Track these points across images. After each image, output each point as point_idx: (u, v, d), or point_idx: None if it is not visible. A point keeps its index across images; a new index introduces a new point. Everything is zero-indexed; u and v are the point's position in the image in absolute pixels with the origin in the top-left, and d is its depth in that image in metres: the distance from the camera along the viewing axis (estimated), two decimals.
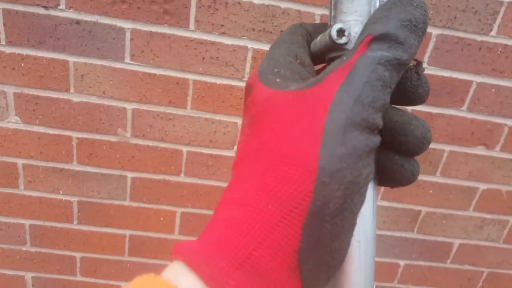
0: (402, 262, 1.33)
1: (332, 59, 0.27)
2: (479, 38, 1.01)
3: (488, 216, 1.27)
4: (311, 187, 0.22)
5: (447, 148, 1.16)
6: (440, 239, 1.30)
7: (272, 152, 0.23)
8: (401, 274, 1.35)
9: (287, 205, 0.22)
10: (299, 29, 0.30)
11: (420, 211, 1.25)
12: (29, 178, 1.13)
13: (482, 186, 1.22)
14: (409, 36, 0.23)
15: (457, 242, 1.31)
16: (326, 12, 0.97)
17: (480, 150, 1.16)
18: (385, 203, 1.23)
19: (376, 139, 0.23)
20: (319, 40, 0.27)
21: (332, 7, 0.27)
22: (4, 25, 0.93)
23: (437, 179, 1.20)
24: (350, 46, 0.26)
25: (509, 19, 0.98)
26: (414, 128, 0.25)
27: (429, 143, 0.26)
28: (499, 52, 1.03)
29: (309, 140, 0.22)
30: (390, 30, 0.22)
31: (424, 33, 0.24)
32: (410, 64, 0.26)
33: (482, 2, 0.97)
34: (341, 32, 0.25)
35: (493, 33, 1.00)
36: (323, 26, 0.31)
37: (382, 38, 0.22)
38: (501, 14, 0.98)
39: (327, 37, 0.26)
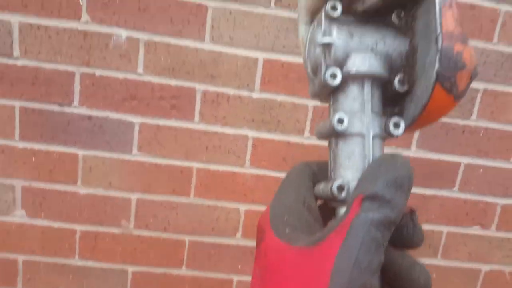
0: None
1: (334, 208, 0.29)
2: (461, 122, 1.01)
3: None
4: None
5: (445, 229, 1.09)
6: None
7: None
8: None
9: None
10: (306, 169, 0.32)
11: None
12: (28, 276, 1.02)
13: (485, 268, 1.13)
14: (395, 194, 0.23)
15: None
16: (319, 103, 0.97)
17: (476, 230, 1.10)
18: None
19: None
20: (322, 190, 0.29)
21: (332, 160, 0.29)
22: (20, 121, 0.92)
23: (439, 262, 1.11)
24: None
25: (487, 104, 1.00)
26: (418, 275, 0.26)
27: (418, 244, 0.27)
28: (481, 134, 1.02)
29: None
30: (377, 190, 0.23)
31: (409, 189, 0.25)
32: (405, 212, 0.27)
33: None
34: (340, 189, 0.27)
35: (473, 117, 1.01)
36: (327, 165, 0.32)
37: (372, 198, 0.23)
38: (478, 99, 1.00)
39: (329, 191, 0.27)
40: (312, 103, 0.97)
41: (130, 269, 1.03)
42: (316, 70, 0.30)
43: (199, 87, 0.93)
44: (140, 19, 0.87)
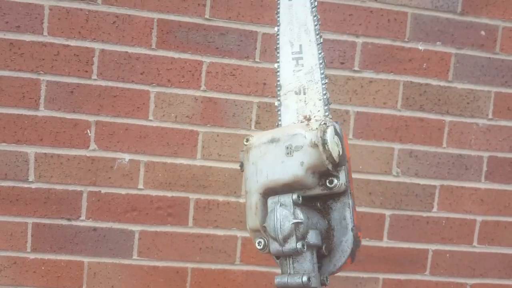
0: None
1: None
2: (425, 214, 1.21)
3: None
4: None
5: None
6: None
7: None
8: None
9: None
10: None
11: None
12: None
13: None
14: None
15: None
16: None
17: None
18: None
19: None
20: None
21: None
22: (32, 235, 1.08)
23: None
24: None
25: (445, 197, 1.20)
26: None
27: None
28: (443, 223, 1.22)
29: None
30: None
31: None
32: None
33: (420, 187, 1.20)
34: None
35: (434, 209, 1.21)
36: None
37: None
38: (436, 194, 1.21)
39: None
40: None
41: None
42: (287, 239, 0.46)
43: (192, 196, 1.12)
44: (141, 145, 1.08)
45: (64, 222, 1.08)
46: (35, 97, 1.05)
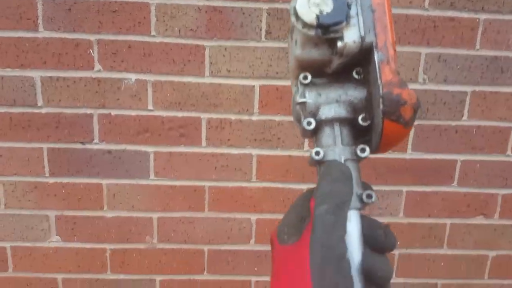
0: None
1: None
2: (453, 123, 1.21)
3: (506, 282, 1.37)
4: None
5: (448, 221, 1.30)
6: None
7: None
8: None
9: None
10: (307, 194, 0.43)
11: (436, 283, 1.37)
12: None
13: (492, 254, 1.34)
14: (332, 187, 0.39)
15: None
16: None
17: (480, 220, 1.31)
18: (401, 280, 1.35)
19: (346, 264, 0.38)
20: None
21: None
22: (48, 160, 1.17)
23: (445, 251, 1.33)
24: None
25: (476, 105, 1.19)
26: (377, 270, 0.39)
27: (389, 280, 0.38)
28: (474, 132, 1.22)
29: (305, 280, 0.37)
30: (320, 190, 0.39)
31: (344, 178, 0.40)
32: (382, 224, 0.43)
33: (449, 94, 1.18)
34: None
35: (465, 117, 1.20)
36: None
37: (319, 197, 0.39)
38: (467, 101, 1.19)
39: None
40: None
41: (158, 278, 1.31)
42: (299, 120, 0.47)
43: (204, 115, 1.16)
44: (146, 63, 1.10)
45: (78, 146, 1.15)
46: (33, 17, 1.07)
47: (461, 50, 1.14)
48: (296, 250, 0.38)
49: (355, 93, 0.45)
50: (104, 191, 1.21)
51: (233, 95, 1.14)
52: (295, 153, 1.20)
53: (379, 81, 0.41)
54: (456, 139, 1.22)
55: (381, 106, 0.41)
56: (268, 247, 1.27)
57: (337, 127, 0.44)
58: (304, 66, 0.47)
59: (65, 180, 1.19)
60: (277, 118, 1.17)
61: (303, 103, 0.45)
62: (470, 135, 1.22)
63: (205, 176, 1.22)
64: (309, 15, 0.42)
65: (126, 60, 1.10)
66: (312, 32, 0.42)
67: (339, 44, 0.42)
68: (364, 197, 0.42)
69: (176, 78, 1.12)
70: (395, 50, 0.42)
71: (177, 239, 1.27)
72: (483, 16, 1.11)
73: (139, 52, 1.10)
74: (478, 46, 1.14)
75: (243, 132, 1.18)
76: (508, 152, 1.24)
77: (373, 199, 0.42)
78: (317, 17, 0.41)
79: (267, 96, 1.15)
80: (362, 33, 0.42)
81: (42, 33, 1.08)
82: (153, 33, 1.09)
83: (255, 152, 1.20)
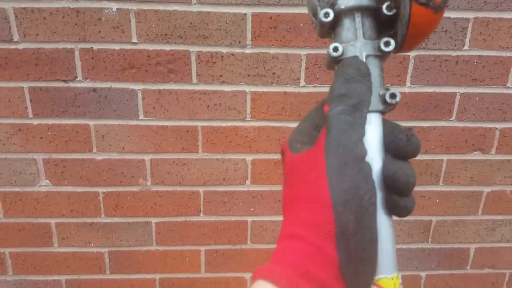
0: (423, 274, 1.36)
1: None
2: (454, 53, 1.10)
3: (499, 217, 1.31)
4: (332, 217, 0.30)
5: (445, 157, 1.22)
6: (455, 245, 1.33)
7: (300, 197, 0.33)
8: (424, 286, 1.38)
9: (320, 233, 0.31)
10: (323, 103, 0.39)
11: (431, 220, 1.30)
12: (62, 236, 1.22)
13: (486, 189, 1.27)
14: (348, 87, 0.32)
15: (472, 247, 1.34)
16: (311, 51, 1.07)
17: (477, 156, 1.22)
18: (395, 218, 1.28)
19: (366, 166, 0.31)
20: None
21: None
22: (31, 100, 1.06)
23: (441, 188, 1.26)
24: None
25: (478, 33, 1.08)
26: (399, 176, 0.33)
27: (413, 186, 0.33)
28: (475, 63, 1.11)
29: (320, 184, 0.31)
30: (335, 91, 0.33)
31: (361, 76, 0.33)
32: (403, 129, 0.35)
33: (450, 22, 1.06)
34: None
35: (466, 47, 1.09)
36: None
37: (334, 98, 0.32)
38: (469, 29, 1.07)
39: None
40: (304, 51, 1.07)
41: (154, 220, 1.22)
42: (315, 13, 0.39)
43: (193, 49, 1.04)
44: None
45: (61, 84, 1.03)
46: None
47: None
48: (310, 156, 0.33)
49: None
50: (92, 133, 1.10)
51: (223, 25, 1.02)
52: (290, 89, 1.09)
53: None
54: (456, 70, 1.12)
55: None
56: (264, 187, 1.19)
57: (358, 18, 0.37)
58: None
59: (50, 121, 1.08)
60: (272, 50, 1.05)
61: None
62: (471, 66, 1.12)
63: (197, 116, 1.11)
64: None
65: None
66: None
67: None
68: (387, 97, 0.34)
69: (160, 7, 0.99)
70: None
71: (171, 181, 1.18)
72: None
73: None
74: None
75: (235, 67, 1.06)
76: (508, 84, 1.14)
77: (398, 98, 0.34)
78: None
79: (260, 26, 1.02)
80: None
81: None
82: None
83: (249, 89, 1.09)
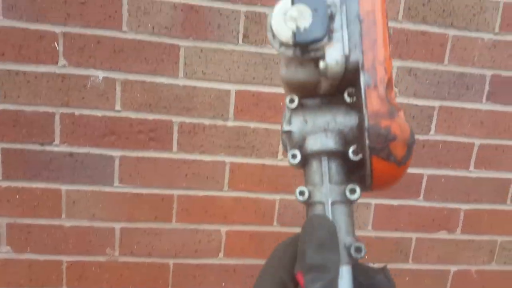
0: None
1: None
2: (421, 137, 1.13)
3: None
4: None
5: (414, 235, 1.21)
6: None
7: None
8: None
9: None
10: (288, 250, 0.35)
11: None
12: None
13: (453, 268, 1.26)
14: (324, 257, 0.29)
15: None
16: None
17: (443, 235, 1.22)
18: None
19: None
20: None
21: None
22: (2, 162, 0.98)
23: (411, 266, 1.23)
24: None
25: (443, 120, 1.12)
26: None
27: None
28: (440, 147, 1.15)
29: None
30: (308, 261, 0.29)
31: (334, 242, 0.30)
32: (378, 269, 0.34)
33: (417, 109, 1.11)
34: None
35: (432, 132, 1.13)
36: None
37: (309, 270, 0.29)
38: (435, 116, 1.12)
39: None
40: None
41: None
42: (286, 150, 0.37)
43: (176, 119, 1.02)
44: (116, 60, 0.95)
45: (37, 147, 0.97)
46: None
47: (431, 65, 1.08)
48: None
49: (345, 120, 0.35)
50: (63, 198, 1.02)
51: (208, 99, 1.01)
52: (269, 161, 1.08)
53: (364, 110, 0.32)
54: (423, 153, 1.15)
55: (366, 142, 0.32)
56: (238, 260, 1.12)
57: (325, 162, 0.35)
58: (292, 86, 0.37)
59: (20, 184, 1.00)
60: (252, 124, 1.05)
61: (289, 132, 0.36)
62: (436, 150, 1.15)
63: (174, 184, 1.06)
64: (285, 32, 0.33)
65: (94, 56, 0.95)
66: (289, 52, 0.33)
67: (321, 64, 0.33)
68: (352, 250, 0.33)
69: (147, 78, 0.98)
70: (387, 71, 0.32)
71: (141, 252, 1.09)
72: (452, 32, 1.06)
73: (108, 48, 0.95)
74: (446, 62, 1.08)
75: (216, 138, 1.04)
76: (471, 168, 1.17)
77: (362, 254, 0.32)
78: (294, 34, 0.32)
79: (242, 102, 1.03)
80: (346, 51, 0.33)
81: (2, 22, 0.91)
82: (124, 28, 0.95)
83: (228, 159, 1.06)
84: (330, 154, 0.35)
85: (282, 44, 0.33)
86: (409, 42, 1.05)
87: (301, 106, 0.37)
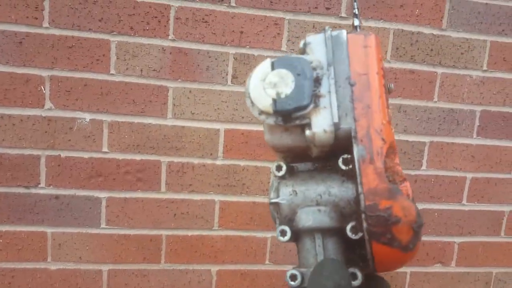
0: None
1: None
2: (413, 172, 1.13)
3: None
4: None
5: (409, 270, 1.20)
6: None
7: None
8: None
9: None
10: None
11: None
12: None
13: None
14: None
15: None
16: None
17: (438, 268, 1.21)
18: None
19: None
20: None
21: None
22: None
23: None
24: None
25: (434, 155, 1.12)
26: None
27: None
28: (432, 181, 1.14)
29: None
30: None
31: None
32: None
33: (408, 144, 1.11)
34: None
35: (423, 167, 1.13)
36: None
37: None
38: (426, 151, 1.12)
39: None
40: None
41: None
42: (276, 224, 0.34)
43: (164, 159, 1.01)
44: (103, 103, 0.95)
45: (22, 190, 0.95)
46: None
47: (420, 102, 1.08)
48: None
49: (340, 192, 0.31)
50: (49, 241, 1.00)
51: (196, 139, 1.00)
52: (259, 199, 1.06)
53: (359, 188, 0.28)
54: (415, 188, 1.14)
55: (364, 225, 0.27)
56: None
57: (319, 240, 0.31)
58: (279, 151, 0.34)
59: (4, 228, 0.98)
60: (242, 163, 1.04)
61: (276, 204, 0.33)
62: (429, 185, 1.14)
63: (163, 225, 1.04)
64: (264, 100, 0.29)
65: (81, 98, 0.94)
66: (270, 121, 0.30)
67: (307, 133, 0.29)
68: None
69: (135, 119, 0.97)
70: (386, 140, 0.28)
71: None
72: (440, 70, 1.06)
73: (96, 91, 0.94)
74: (436, 99, 1.08)
75: (206, 177, 1.03)
76: (464, 202, 1.17)
77: None
78: (274, 101, 0.29)
79: (232, 141, 1.02)
80: (336, 119, 0.29)
81: None
82: (112, 71, 0.94)
83: (218, 198, 1.05)
84: (324, 232, 0.31)
85: (262, 112, 0.30)
86: (398, 80, 1.06)
87: (290, 172, 0.34)
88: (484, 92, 1.10)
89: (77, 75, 0.93)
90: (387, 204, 0.27)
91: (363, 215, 0.27)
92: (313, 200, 0.31)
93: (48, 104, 0.93)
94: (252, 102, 0.30)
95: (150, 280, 1.07)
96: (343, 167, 0.31)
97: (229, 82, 0.99)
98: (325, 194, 0.31)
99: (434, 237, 1.18)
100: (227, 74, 0.98)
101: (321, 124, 0.29)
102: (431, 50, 1.05)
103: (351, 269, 0.29)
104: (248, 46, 0.98)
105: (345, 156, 0.31)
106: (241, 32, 0.98)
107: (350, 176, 0.31)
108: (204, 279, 1.09)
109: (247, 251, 1.09)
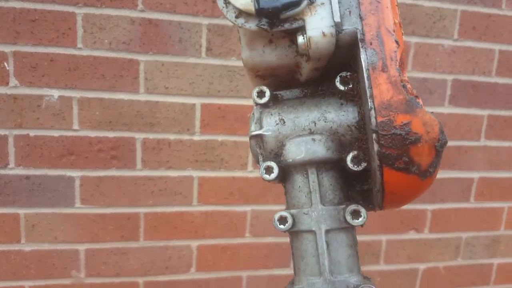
0: None
1: None
2: None
3: None
4: None
5: (384, 238, 1.23)
6: None
7: None
8: None
9: None
10: None
11: None
12: None
13: (422, 266, 1.29)
14: None
15: None
16: None
17: (412, 235, 1.25)
18: None
19: None
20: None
21: (292, 257, 0.29)
22: None
23: (382, 267, 1.26)
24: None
25: None
26: None
27: None
28: None
29: None
30: None
31: None
32: None
33: None
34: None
35: None
36: None
37: None
38: None
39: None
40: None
41: None
42: (257, 159, 0.29)
43: (139, 136, 0.99)
44: (71, 78, 0.91)
45: None
46: None
47: None
48: None
49: (338, 117, 0.26)
50: (22, 222, 0.98)
51: (171, 114, 0.99)
52: (239, 174, 1.07)
53: (369, 102, 0.22)
54: None
55: (375, 147, 0.22)
56: (210, 274, 1.11)
57: (313, 176, 0.26)
58: (260, 74, 0.28)
59: None
60: (220, 138, 1.03)
61: (259, 137, 0.27)
62: None
63: (140, 202, 1.03)
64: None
65: (47, 74, 0.90)
66: (252, 24, 0.22)
67: (300, 40, 0.23)
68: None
69: (106, 95, 0.94)
70: (399, 43, 0.22)
71: (108, 272, 1.06)
72: (414, 40, 1.07)
73: (63, 66, 0.90)
74: (410, 68, 1.09)
75: (183, 153, 1.02)
76: None
77: None
78: None
79: (209, 115, 1.01)
80: (337, 17, 0.22)
81: None
82: (79, 45, 0.91)
83: (196, 174, 1.04)
84: (320, 165, 0.26)
85: (240, 13, 0.23)
86: None
87: (275, 100, 0.28)
88: (455, 61, 1.12)
89: (42, 50, 0.89)
90: (405, 119, 0.21)
91: (373, 136, 0.21)
92: (305, 128, 0.26)
93: (13, 81, 0.89)
94: (226, 2, 0.22)
95: (129, 258, 1.06)
96: (342, 88, 0.25)
97: (203, 55, 0.96)
98: (320, 121, 0.26)
99: (408, 205, 1.21)
100: (200, 46, 0.96)
101: (318, 25, 0.22)
102: (404, 19, 1.05)
103: (353, 206, 0.25)
104: (221, 17, 0.96)
105: (344, 73, 0.25)
106: (214, 1, 0.95)
107: (351, 97, 0.25)
108: (184, 254, 1.09)
109: (227, 225, 1.10)
